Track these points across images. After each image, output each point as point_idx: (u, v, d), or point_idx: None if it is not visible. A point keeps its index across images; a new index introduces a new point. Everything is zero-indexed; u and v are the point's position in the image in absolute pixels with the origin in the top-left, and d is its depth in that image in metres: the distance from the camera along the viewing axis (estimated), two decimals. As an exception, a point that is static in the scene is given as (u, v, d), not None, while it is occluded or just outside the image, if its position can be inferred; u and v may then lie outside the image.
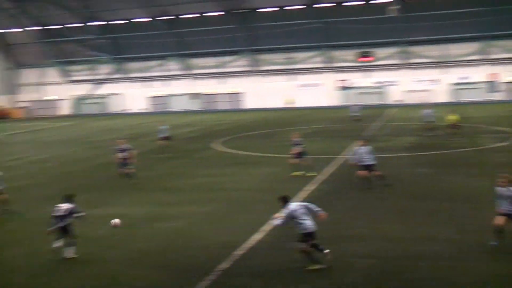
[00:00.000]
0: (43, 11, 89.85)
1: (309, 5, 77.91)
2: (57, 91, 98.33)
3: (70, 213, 15.90)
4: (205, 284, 13.38)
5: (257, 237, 16.90)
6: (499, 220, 14.79)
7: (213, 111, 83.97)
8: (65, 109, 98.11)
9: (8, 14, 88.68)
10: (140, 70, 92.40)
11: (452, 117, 40.45)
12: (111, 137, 47.67)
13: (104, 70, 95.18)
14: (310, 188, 23.73)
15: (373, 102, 79.32)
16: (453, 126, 40.21)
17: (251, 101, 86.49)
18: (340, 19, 78.13)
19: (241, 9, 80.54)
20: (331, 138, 41.36)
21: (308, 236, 13.88)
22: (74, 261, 15.49)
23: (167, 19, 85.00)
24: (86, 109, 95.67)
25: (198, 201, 22.08)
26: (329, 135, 43.64)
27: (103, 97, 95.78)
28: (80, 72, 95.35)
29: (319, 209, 14.45)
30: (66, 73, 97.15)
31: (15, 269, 15.13)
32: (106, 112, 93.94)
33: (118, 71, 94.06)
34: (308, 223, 13.92)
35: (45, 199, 24.28)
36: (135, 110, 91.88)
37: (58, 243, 15.71)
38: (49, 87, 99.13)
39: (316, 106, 79.52)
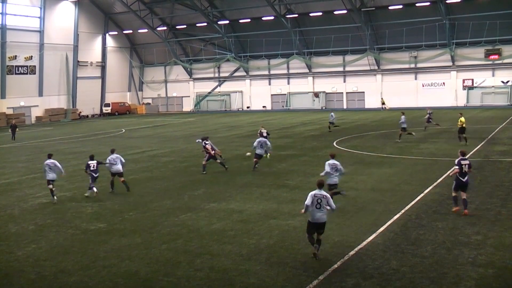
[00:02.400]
0: (170, 12, 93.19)
1: (435, 2, 75.63)
2: (180, 88, 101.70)
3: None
4: (316, 283, 13.41)
5: (371, 238, 16.73)
6: None
7: (334, 110, 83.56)
8: (187, 106, 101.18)
9: (136, 16, 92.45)
10: (263, 68, 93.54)
11: None
12: (232, 133, 48.67)
13: (227, 68, 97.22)
14: (430, 191, 23.15)
15: (498, 103, 76.13)
16: None
17: (372, 101, 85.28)
18: (467, 15, 75.27)
19: (367, 8, 79.44)
20: (455, 139, 40.06)
21: None
22: (187, 253, 15.99)
23: (292, 17, 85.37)
24: (209, 106, 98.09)
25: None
26: (453, 137, 42.27)
27: (225, 95, 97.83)
28: (204, 70, 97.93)
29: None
30: (189, 71, 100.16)
31: (133, 258, 15.83)
32: (228, 109, 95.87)
33: (241, 69, 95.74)
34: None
35: (163, 191, 25.29)
36: (257, 108, 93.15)
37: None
38: (172, 85, 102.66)
39: (440, 106, 77.19)
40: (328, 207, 15.25)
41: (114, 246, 17.03)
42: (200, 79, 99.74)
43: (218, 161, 31.04)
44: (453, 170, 19.60)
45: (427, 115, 47.98)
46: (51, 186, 24.40)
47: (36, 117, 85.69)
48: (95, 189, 24.89)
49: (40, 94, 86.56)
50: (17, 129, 57.93)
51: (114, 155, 26.21)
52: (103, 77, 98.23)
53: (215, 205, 21.97)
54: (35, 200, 24.88)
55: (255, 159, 30.50)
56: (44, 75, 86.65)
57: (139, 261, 15.52)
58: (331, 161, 21.05)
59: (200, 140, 31.87)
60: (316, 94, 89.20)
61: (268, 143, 31.05)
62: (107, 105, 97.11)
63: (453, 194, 19.49)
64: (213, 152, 30.76)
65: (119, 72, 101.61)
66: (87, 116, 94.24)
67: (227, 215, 20.23)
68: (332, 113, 47.20)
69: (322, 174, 20.83)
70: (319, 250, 15.30)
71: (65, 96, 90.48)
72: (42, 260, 16.00)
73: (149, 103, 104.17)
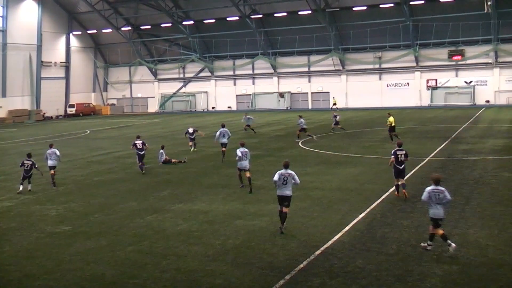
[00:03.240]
0: (135, 12, 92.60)
1: (399, 3, 76.44)
2: (145, 89, 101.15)
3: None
4: (283, 282, 13.47)
5: (337, 237, 16.85)
6: None
7: (299, 110, 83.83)
8: (152, 106, 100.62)
9: (101, 15, 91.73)
10: (228, 69, 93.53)
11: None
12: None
13: (192, 68, 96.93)
14: (395, 189, 23.40)
15: (461, 103, 77.24)
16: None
17: (337, 101, 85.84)
18: (430, 16, 76.25)
19: (332, 8, 79.92)
20: (419, 139, 40.53)
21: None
22: (153, 254, 15.93)
23: (257, 17, 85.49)
24: (174, 107, 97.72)
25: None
26: (417, 136, 42.81)
27: (190, 95, 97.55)
28: (169, 70, 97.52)
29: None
30: (154, 72, 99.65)
31: (98, 261, 15.70)
32: (193, 110, 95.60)
33: (206, 69, 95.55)
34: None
35: (128, 193, 25.15)
36: (221, 108, 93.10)
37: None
38: (137, 85, 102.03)
39: (404, 106, 78.10)
40: (293, 181, 17.89)
41: (80, 249, 16.87)
42: (165, 79, 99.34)
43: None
44: (391, 159, 22.20)
45: (334, 118, 48.39)
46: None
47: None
48: (21, 187, 26.58)
49: (3, 95, 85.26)
50: None
51: (51, 150, 28.62)
52: (67, 78, 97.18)
53: (181, 206, 21.91)
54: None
55: (223, 149, 33.88)
56: (7, 75, 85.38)
57: (105, 263, 15.39)
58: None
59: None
60: (281, 95, 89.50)
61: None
62: (72, 106, 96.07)
63: (395, 182, 22.26)
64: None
65: (83, 72, 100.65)
66: (51, 117, 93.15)
67: (193, 216, 20.19)
68: (302, 119, 44.47)
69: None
70: (284, 225, 17.63)
71: (29, 97, 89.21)
72: (6, 265, 15.76)
73: (114, 104, 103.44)
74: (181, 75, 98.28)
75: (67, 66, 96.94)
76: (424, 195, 15.41)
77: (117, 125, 57.28)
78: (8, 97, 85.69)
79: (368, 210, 20.03)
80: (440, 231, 15.22)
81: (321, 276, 13.76)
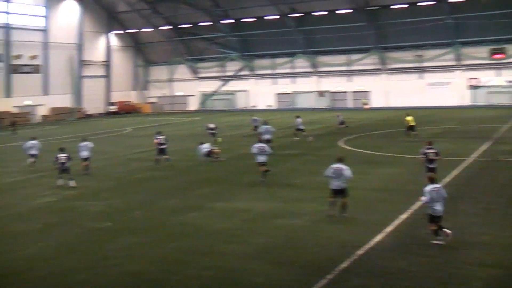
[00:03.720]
0: (174, 11, 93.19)
1: (439, 1, 75.49)
2: (186, 87, 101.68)
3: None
4: (324, 282, 13.39)
5: (378, 238, 16.70)
6: None
7: (339, 109, 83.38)
8: (192, 104, 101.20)
9: (140, 15, 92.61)
10: (268, 67, 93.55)
11: None
12: (237, 132, 48.69)
13: (232, 67, 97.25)
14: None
15: (504, 102, 75.86)
16: None
17: (377, 100, 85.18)
18: (471, 14, 75.13)
19: (371, 7, 79.35)
20: (459, 139, 39.99)
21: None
22: (194, 252, 16.01)
23: (296, 16, 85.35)
24: (214, 105, 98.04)
25: (320, 199, 22.01)
26: (457, 136, 42.23)
27: (230, 94, 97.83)
28: (209, 69, 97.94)
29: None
30: (194, 70, 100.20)
31: (140, 257, 15.85)
32: (232, 108, 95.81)
33: (246, 68, 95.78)
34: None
35: (169, 190, 25.34)
36: (261, 107, 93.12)
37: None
38: (177, 84, 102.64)
39: (445, 106, 77.04)
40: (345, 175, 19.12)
41: (122, 245, 17.06)
42: (205, 78, 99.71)
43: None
44: (421, 158, 23.70)
45: (338, 118, 50.82)
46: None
47: (42, 116, 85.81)
48: (61, 182, 27.63)
49: (46, 93, 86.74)
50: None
51: (84, 143, 32.07)
52: (108, 76, 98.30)
53: (222, 204, 21.99)
54: (42, 198, 24.93)
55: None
56: (49, 74, 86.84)
57: (146, 260, 15.52)
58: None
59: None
60: (321, 93, 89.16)
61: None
62: (112, 104, 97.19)
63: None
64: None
65: (124, 71, 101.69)
66: (92, 115, 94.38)
67: (233, 214, 20.25)
68: (299, 119, 45.67)
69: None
70: (346, 213, 18.87)
71: (70, 95, 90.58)
72: (50, 259, 16.03)
73: (154, 102, 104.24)
74: (221, 74, 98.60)
75: (107, 64, 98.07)
76: (427, 196, 16.04)
77: (158, 123, 57.85)
78: (50, 95, 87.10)
79: (409, 211, 19.78)
80: (434, 226, 15.99)
81: (362, 277, 13.66)
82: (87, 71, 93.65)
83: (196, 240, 17.21)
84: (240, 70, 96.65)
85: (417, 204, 20.64)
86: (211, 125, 46.24)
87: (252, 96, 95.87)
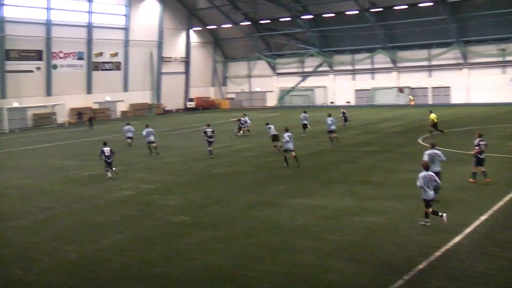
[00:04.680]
0: (254, 7, 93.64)
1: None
2: (264, 83, 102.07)
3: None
4: (400, 283, 13.20)
5: (457, 239, 16.29)
6: None
7: (420, 105, 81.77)
8: (270, 100, 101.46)
9: (220, 11, 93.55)
10: (347, 63, 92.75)
11: None
12: (316, 128, 48.43)
13: (311, 63, 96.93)
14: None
15: None
16: None
17: (457, 96, 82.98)
18: None
19: (453, -1, 77.48)
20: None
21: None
22: (269, 248, 16.07)
23: (376, 11, 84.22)
24: (293, 101, 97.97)
25: (398, 197, 21.75)
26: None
27: (308, 90, 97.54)
28: (287, 65, 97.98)
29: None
30: (273, 66, 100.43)
31: (216, 251, 16.05)
32: (311, 104, 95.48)
33: (324, 64, 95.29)
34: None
35: (245, 186, 25.51)
36: (340, 103, 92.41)
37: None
38: (256, 80, 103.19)
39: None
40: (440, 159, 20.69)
41: (197, 239, 17.31)
42: (283, 74, 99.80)
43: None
44: (475, 150, 24.11)
45: (342, 115, 52.65)
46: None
47: (121, 111, 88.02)
48: (109, 174, 29.61)
49: (125, 89, 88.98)
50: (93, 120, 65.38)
51: (148, 129, 38.44)
52: (187, 72, 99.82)
53: (298, 201, 21.98)
54: (120, 192, 25.63)
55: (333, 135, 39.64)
56: (129, 71, 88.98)
57: (222, 255, 15.70)
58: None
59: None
60: (401, 89, 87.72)
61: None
62: (191, 100, 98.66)
63: (473, 170, 24.23)
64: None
65: (202, 67, 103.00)
66: (171, 110, 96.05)
67: (310, 211, 20.21)
68: (304, 114, 49.23)
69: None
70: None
71: (149, 91, 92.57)
72: (126, 250, 16.45)
73: (233, 98, 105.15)
74: (300, 70, 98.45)
75: (187, 61, 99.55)
76: (419, 181, 17.59)
77: (236, 118, 57.94)
78: (130, 91, 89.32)
79: (489, 211, 19.19)
80: (430, 210, 17.60)
81: (440, 279, 13.35)
82: (167, 68, 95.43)
83: (271, 236, 17.27)
84: (319, 66, 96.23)
85: (498, 205, 20.08)
86: (243, 119, 49.82)
87: (330, 92, 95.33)
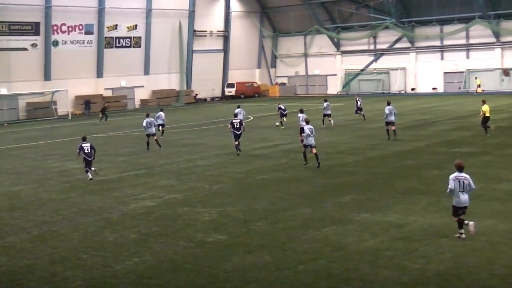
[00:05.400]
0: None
1: None
2: (325, 64, 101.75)
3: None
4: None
5: None
6: None
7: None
8: (333, 86, 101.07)
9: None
10: (434, 38, 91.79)
11: None
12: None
13: (386, 37, 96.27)
14: None
15: None
16: None
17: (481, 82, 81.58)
18: None
19: None
20: None
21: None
22: (330, 277, 15.94)
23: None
24: (361, 88, 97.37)
25: (501, 214, 21.37)
26: None
27: (382, 73, 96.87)
28: (355, 40, 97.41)
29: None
30: (337, 42, 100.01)
31: (260, 281, 15.99)
32: (386, 91, 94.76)
33: (404, 39, 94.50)
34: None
35: (300, 197, 25.46)
36: (424, 90, 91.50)
37: None
38: (314, 60, 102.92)
39: None
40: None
41: (238, 264, 17.27)
42: (350, 52, 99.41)
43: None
44: None
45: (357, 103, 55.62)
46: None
47: (141, 100, 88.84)
48: (89, 175, 31.01)
49: (146, 72, 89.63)
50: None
51: (149, 119, 41.39)
52: (225, 51, 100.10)
53: (368, 217, 21.81)
54: (138, 202, 25.83)
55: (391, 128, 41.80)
56: (151, 49, 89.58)
57: (269, 285, 15.64)
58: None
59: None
60: (507, 72, 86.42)
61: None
62: (231, 85, 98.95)
63: None
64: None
65: (246, 44, 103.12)
66: (205, 99, 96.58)
67: (383, 230, 20.01)
68: (326, 103, 52.61)
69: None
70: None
71: (177, 74, 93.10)
72: (146, 278, 16.50)
73: (284, 83, 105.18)
74: (371, 47, 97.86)
75: (226, 36, 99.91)
76: (450, 183, 18.63)
77: (288, 110, 57.91)
78: (151, 75, 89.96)
79: None
80: (457, 218, 18.53)
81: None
82: (200, 44, 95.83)
83: (333, 262, 17.13)
84: (397, 41, 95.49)
85: None
86: (283, 106, 54.81)
87: (411, 76, 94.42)
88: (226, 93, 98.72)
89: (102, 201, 26.44)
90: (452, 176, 18.71)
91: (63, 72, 78.97)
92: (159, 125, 46.85)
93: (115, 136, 52.19)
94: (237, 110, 47.90)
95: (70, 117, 75.49)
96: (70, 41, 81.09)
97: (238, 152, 37.52)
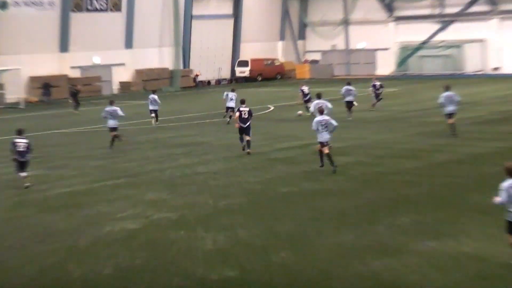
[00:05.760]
0: None
1: None
2: (372, 35, 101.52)
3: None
4: None
5: None
6: None
7: None
8: (384, 66, 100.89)
9: None
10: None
11: None
12: (466, 116, 47.91)
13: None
14: None
15: None
16: None
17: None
18: None
19: None
20: None
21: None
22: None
23: None
24: (423, 67, 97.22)
25: None
26: None
27: (452, 47, 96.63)
28: (414, 3, 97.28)
29: None
30: (389, 6, 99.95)
31: None
32: (458, 71, 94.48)
33: (482, 1, 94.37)
34: None
35: (340, 216, 25.19)
36: (509, 70, 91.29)
37: None
38: (358, 29, 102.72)
39: None
40: None
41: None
42: (407, 18, 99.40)
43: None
44: None
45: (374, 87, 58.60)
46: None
47: (121, 83, 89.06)
48: (24, 174, 31.97)
49: (128, 45, 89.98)
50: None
51: (111, 108, 42.95)
52: (236, 16, 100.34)
53: (434, 246, 21.52)
54: (116, 224, 25.66)
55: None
56: (136, 13, 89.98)
57: None
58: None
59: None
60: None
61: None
62: (244, 63, 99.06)
63: None
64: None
65: (264, 7, 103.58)
66: (208, 82, 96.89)
67: (455, 264, 19.85)
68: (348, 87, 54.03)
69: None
70: None
71: (170, 48, 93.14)
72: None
73: (317, 61, 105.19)
74: (437, 11, 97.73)
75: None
76: (503, 195, 18.50)
77: (324, 96, 57.09)
78: (136, 49, 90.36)
79: None
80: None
81: None
82: (201, 8, 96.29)
83: (385, 308, 16.95)
84: (472, 4, 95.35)
85: None
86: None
87: (493, 51, 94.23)
88: (238, 74, 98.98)
89: (65, 222, 26.28)
90: (505, 184, 18.44)
91: (13, 45, 79.38)
92: (152, 110, 50.46)
93: (86, 132, 52.12)
94: (230, 94, 51.17)
95: (22, 106, 75.59)
96: (25, 2, 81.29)
97: (245, 148, 38.43)
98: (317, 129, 33.07)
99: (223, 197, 29.15)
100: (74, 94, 67.88)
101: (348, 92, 52.94)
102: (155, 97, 51.45)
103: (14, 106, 75.16)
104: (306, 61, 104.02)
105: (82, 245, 23.12)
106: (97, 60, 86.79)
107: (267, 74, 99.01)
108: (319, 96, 42.71)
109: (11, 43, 78.53)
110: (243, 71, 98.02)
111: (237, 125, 38.42)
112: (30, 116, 65.26)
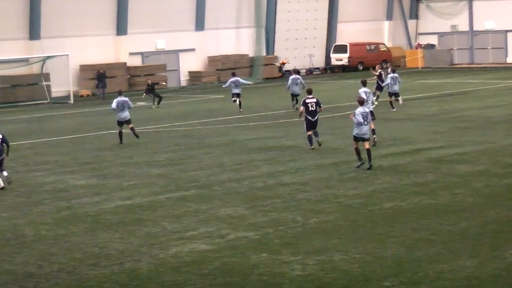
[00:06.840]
0: None
1: None
2: (503, 13, 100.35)
3: None
4: None
5: None
6: None
7: None
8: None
9: None
10: None
11: None
12: None
13: None
14: None
15: None
16: None
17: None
18: None
19: None
20: None
21: None
22: None
23: None
24: None
25: None
26: None
27: None
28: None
29: None
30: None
31: None
32: None
33: None
34: None
35: (460, 237, 25.29)
36: None
37: None
38: (486, 5, 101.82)
39: None
40: None
41: None
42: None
43: None
44: None
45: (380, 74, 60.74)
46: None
47: (190, 72, 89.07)
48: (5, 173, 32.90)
49: (199, 26, 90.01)
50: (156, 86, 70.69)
51: (121, 98, 45.24)
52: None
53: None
54: (184, 244, 25.91)
55: None
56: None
57: None
58: None
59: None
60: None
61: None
62: (341, 49, 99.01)
63: None
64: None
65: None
66: (298, 71, 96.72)
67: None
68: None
69: None
70: None
71: (250, 30, 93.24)
72: None
73: (433, 46, 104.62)
74: None
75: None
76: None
77: (437, 91, 57.18)
78: (208, 31, 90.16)
79: None
80: None
81: None
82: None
83: None
84: None
85: None
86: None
87: None
88: (334, 62, 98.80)
89: (123, 242, 26.63)
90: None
91: (60, 26, 79.61)
92: (235, 94, 53.45)
93: (146, 132, 52.57)
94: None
95: (72, 101, 76.28)
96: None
97: (318, 141, 41.34)
98: (363, 115, 36.28)
99: (314, 213, 29.34)
100: (151, 89, 68.61)
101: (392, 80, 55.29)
102: (238, 78, 53.68)
103: (62, 101, 75.69)
104: (418, 46, 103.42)
105: (144, 270, 23.40)
106: (161, 44, 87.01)
107: (370, 61, 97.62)
108: (364, 83, 45.97)
109: (57, 23, 78.81)
110: (340, 58, 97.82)
111: (301, 109, 41.89)
112: (80, 113, 65.92)
